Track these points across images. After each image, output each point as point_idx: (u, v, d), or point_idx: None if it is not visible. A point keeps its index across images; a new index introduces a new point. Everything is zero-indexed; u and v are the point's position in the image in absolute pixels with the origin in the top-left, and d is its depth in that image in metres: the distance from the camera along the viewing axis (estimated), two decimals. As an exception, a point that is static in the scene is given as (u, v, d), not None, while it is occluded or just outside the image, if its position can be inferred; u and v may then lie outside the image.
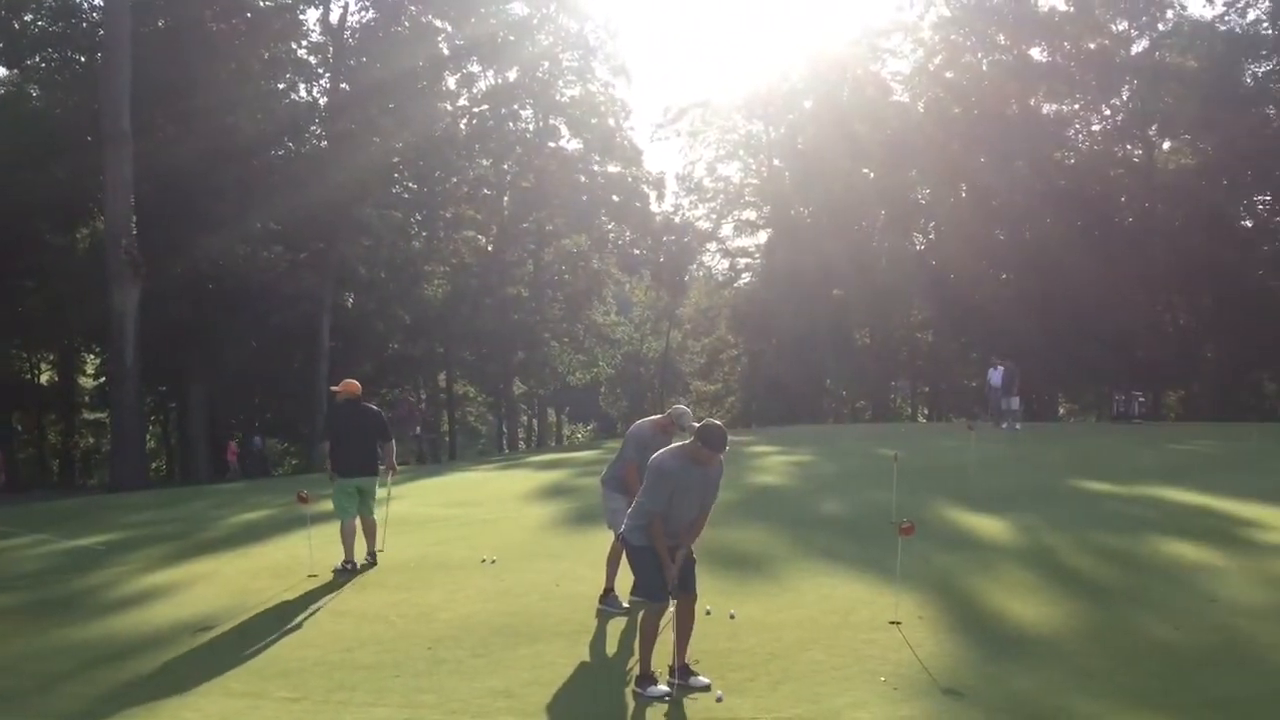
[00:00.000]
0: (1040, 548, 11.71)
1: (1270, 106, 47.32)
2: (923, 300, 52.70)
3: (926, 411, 61.13)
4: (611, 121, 54.27)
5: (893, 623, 8.51)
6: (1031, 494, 15.40)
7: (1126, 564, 10.83)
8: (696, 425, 7.14)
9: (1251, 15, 47.40)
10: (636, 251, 63.53)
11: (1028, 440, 25.09)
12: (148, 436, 46.73)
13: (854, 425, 44.67)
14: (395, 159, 44.07)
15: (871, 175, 53.22)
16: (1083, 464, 19.42)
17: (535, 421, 69.73)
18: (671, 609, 7.26)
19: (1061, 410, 54.70)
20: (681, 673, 7.20)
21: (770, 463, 21.49)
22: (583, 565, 11.01)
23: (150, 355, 35.77)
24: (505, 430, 59.49)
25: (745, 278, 61.48)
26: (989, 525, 13.05)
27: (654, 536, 7.06)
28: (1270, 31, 46.89)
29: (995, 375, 29.97)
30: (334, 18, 44.67)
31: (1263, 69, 47.39)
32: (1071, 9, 50.17)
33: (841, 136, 50.97)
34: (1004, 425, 28.64)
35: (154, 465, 49.70)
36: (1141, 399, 40.93)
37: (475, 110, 50.90)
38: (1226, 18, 47.76)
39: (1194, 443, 23.99)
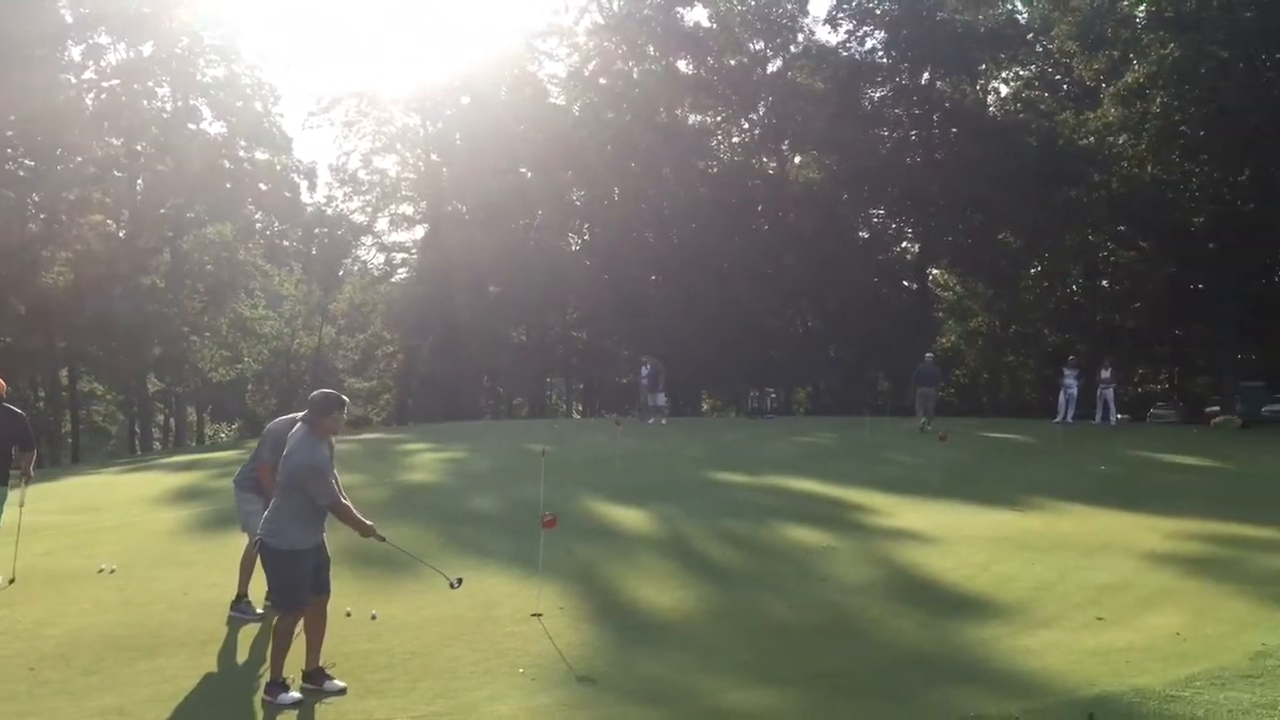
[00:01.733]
0: (676, 536, 12.32)
1: (884, 128, 52.20)
2: (578, 299, 54.02)
3: (581, 408, 62.69)
4: (259, 106, 51.69)
5: (534, 615, 8.66)
6: (672, 485, 16.17)
7: (752, 549, 11.61)
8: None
9: (869, 44, 52.13)
10: (286, 243, 60.85)
11: (672, 434, 26.27)
12: None
13: (510, 422, 45.09)
14: (9, 132, 39.77)
15: (529, 175, 53.90)
16: (720, 457, 20.60)
17: (173, 420, 65.32)
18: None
19: (705, 406, 57.78)
20: (315, 677, 6.98)
21: (423, 460, 21.29)
22: (215, 571, 10.45)
23: None
24: (138, 430, 55.29)
25: (401, 273, 60.48)
26: (631, 516, 13.58)
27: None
28: (885, 60, 51.71)
29: (644, 372, 31.21)
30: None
31: (878, 93, 52.20)
32: (714, 26, 53.13)
33: (499, 135, 51.24)
34: (650, 420, 29.82)
35: None
36: (774, 395, 44.00)
37: (104, 85, 46.98)
38: (848, 44, 52.18)
39: (816, 435, 26.01)
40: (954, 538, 11.96)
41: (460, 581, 7.62)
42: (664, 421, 29.83)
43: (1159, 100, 37.71)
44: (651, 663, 7.54)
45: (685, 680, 7.14)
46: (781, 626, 8.50)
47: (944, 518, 13.34)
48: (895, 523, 13.07)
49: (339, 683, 7.00)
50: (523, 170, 53.93)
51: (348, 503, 6.94)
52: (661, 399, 30.98)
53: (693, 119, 55.59)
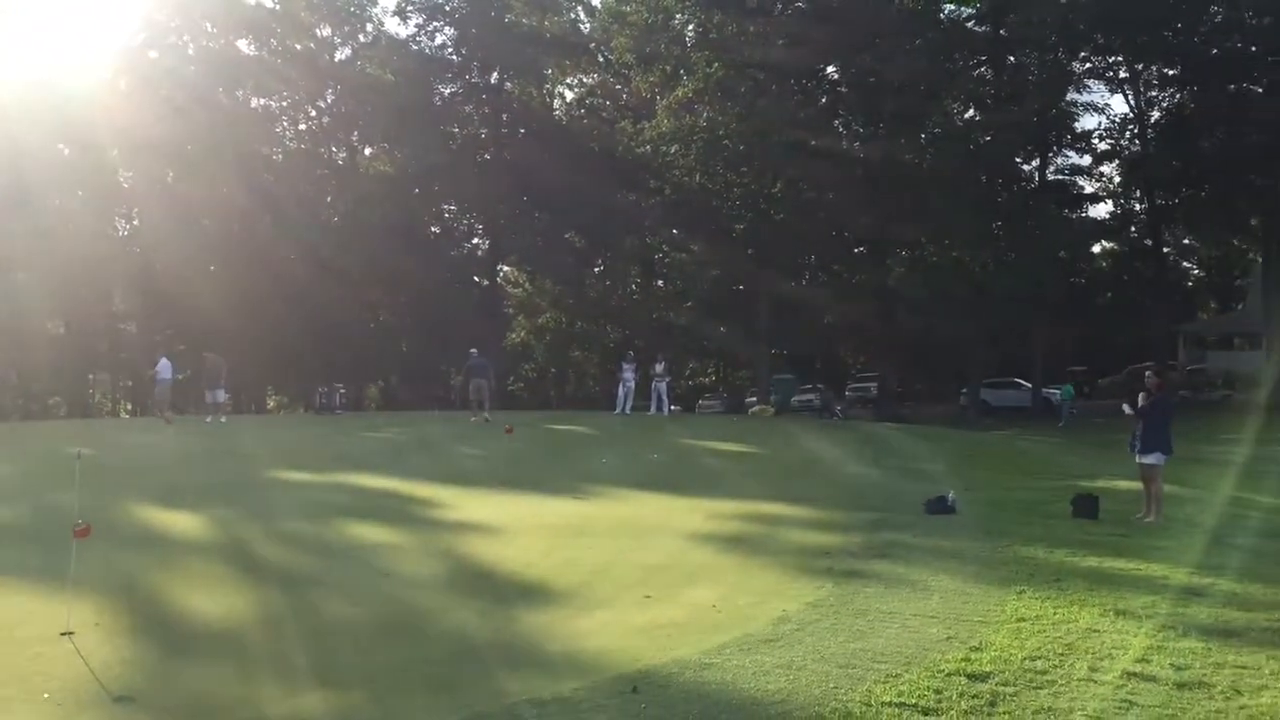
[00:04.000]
0: (232, 540, 11.67)
1: (455, 125, 52.59)
2: (126, 289, 49.72)
3: (130, 407, 57.84)
4: None
5: (65, 634, 7.83)
6: (230, 487, 15.30)
7: (314, 549, 11.25)
8: None
9: (439, 39, 52.29)
10: None
11: (231, 433, 24.89)
12: None
13: (43, 423, 40.63)
14: None
15: (67, 151, 48.86)
16: (284, 455, 19.77)
17: None
18: None
19: (271, 403, 55.34)
20: None
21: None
22: None
23: None
24: None
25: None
26: (181, 521, 12.71)
27: None
28: (455, 57, 52.10)
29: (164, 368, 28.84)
30: None
31: (449, 90, 52.50)
32: (278, 7, 50.92)
33: (31, 106, 45.97)
34: (209, 419, 28.09)
35: None
36: (343, 391, 42.98)
37: None
38: (419, 38, 52.05)
39: (387, 430, 25.72)
40: (517, 527, 12.25)
41: None
42: (223, 419, 28.21)
43: (705, 114, 40.87)
44: (199, 675, 7.07)
45: (234, 691, 6.75)
46: (342, 626, 8.29)
47: (508, 508, 13.64)
48: (461, 515, 13.18)
49: None
50: (61, 146, 48.78)
51: None
52: (221, 395, 29.26)
53: (256, 102, 52.95)
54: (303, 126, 55.04)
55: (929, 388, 63.36)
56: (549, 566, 10.27)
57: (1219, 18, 46.30)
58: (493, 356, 32.64)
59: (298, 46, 51.36)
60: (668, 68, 43.10)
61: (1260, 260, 54.66)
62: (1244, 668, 6.52)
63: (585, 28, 52.93)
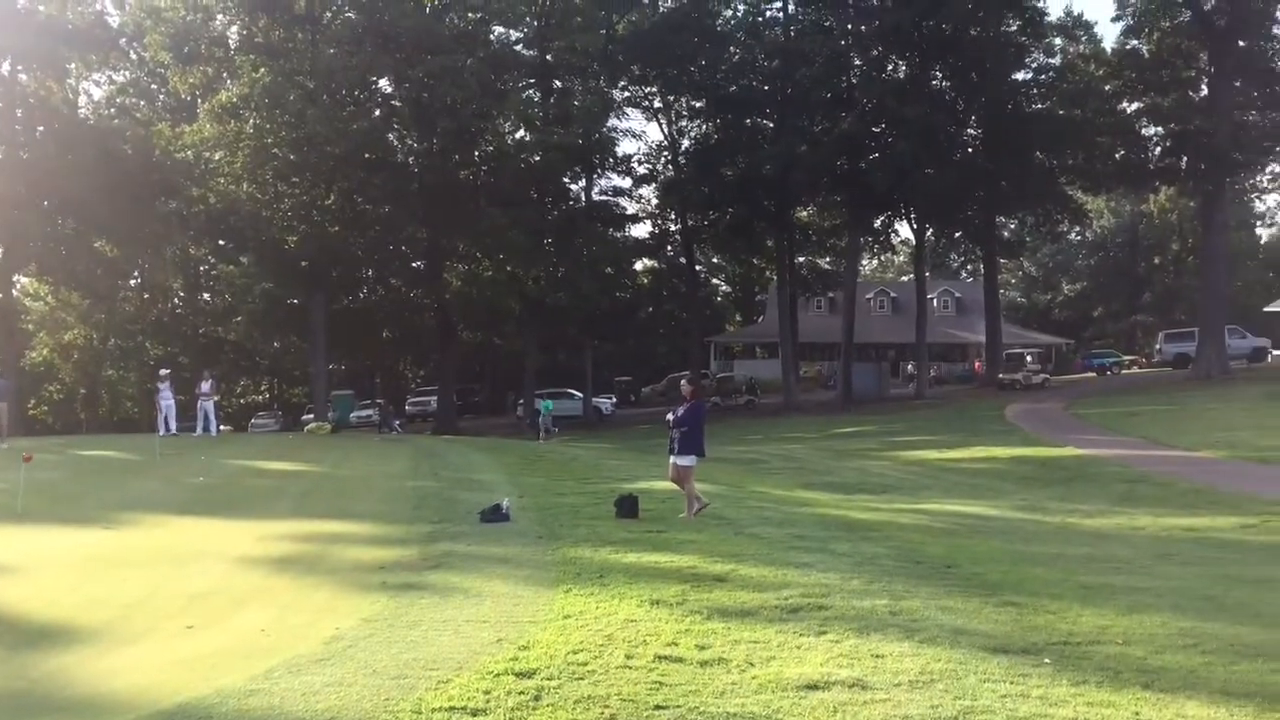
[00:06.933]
0: None
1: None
2: None
3: None
4: None
5: None
6: None
7: None
8: None
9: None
10: None
11: None
12: None
13: None
14: None
15: None
16: None
17: None
18: None
19: None
20: None
21: None
22: None
23: None
24: None
25: None
26: None
27: None
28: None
29: None
30: None
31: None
32: None
33: None
34: None
35: None
36: None
37: None
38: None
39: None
40: (38, 564, 11.11)
41: None
42: None
43: (252, 121, 39.25)
44: None
45: None
46: None
47: (29, 543, 12.31)
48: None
49: None
50: None
51: None
52: None
53: None
54: None
55: (489, 399, 64.82)
56: (75, 604, 9.38)
57: (736, 58, 51.35)
58: (10, 377, 29.33)
59: None
60: (209, 70, 40.89)
61: (774, 278, 61.27)
62: (756, 643, 7.27)
63: (114, 21, 48.80)
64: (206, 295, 53.80)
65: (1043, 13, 50.32)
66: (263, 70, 37.35)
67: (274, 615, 8.69)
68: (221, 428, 31.99)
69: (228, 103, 38.31)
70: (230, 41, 42.03)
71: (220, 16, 42.55)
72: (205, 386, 29.54)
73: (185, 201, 44.30)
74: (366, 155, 40.75)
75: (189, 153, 41.66)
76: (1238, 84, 46.47)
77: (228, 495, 16.59)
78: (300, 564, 11.04)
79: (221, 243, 46.60)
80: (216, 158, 40.88)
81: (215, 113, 38.95)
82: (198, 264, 49.81)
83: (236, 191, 41.62)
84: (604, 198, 55.99)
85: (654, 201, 60.78)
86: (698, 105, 55.36)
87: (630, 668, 6.67)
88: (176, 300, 53.77)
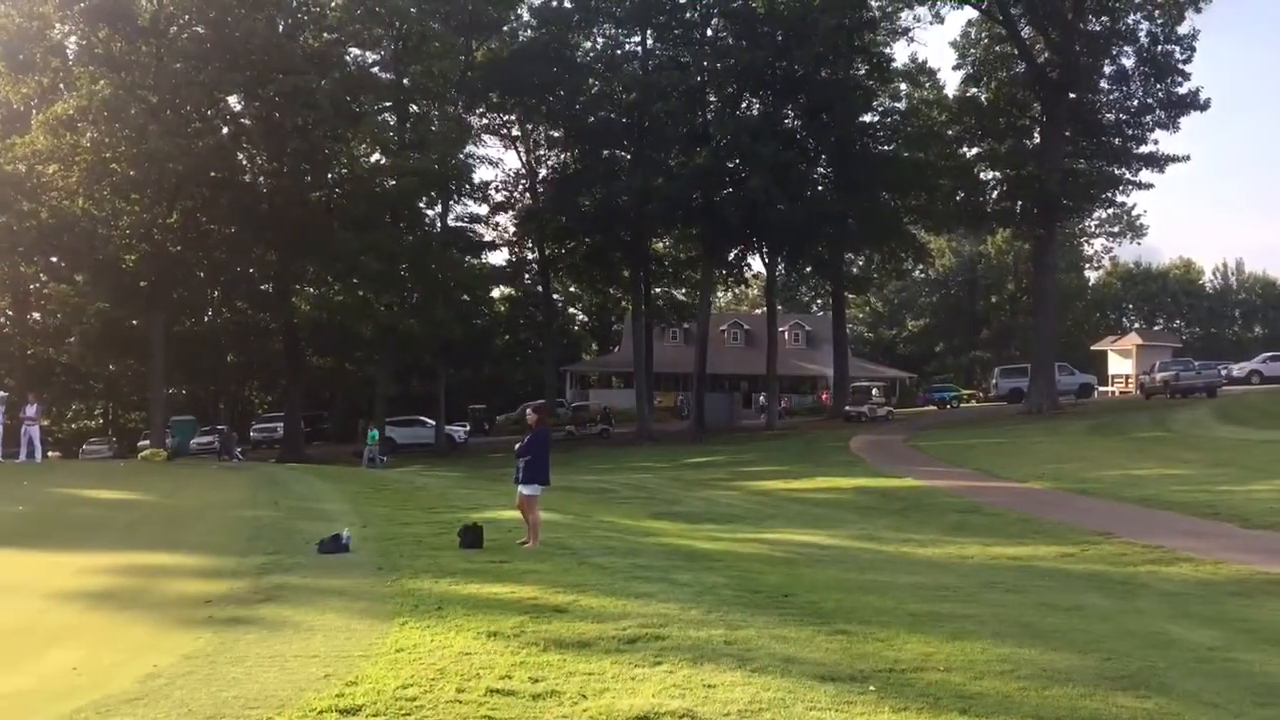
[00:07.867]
0: None
1: None
2: None
3: None
4: None
5: None
6: None
7: None
8: None
9: None
10: None
11: None
12: None
13: None
14: None
15: None
16: None
17: None
18: None
19: None
20: None
21: None
22: None
23: None
24: None
25: None
26: None
27: None
28: None
29: None
30: None
31: None
32: None
33: None
34: None
35: None
36: None
37: None
38: None
39: None
40: None
41: None
42: None
43: (90, 134, 37.71)
44: None
45: None
46: None
47: None
48: None
49: None
50: None
51: None
52: None
53: None
54: None
55: (339, 426, 63.33)
56: None
57: (595, 89, 51.78)
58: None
59: None
60: (45, 80, 39.07)
61: (630, 308, 61.71)
62: (591, 674, 7.24)
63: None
64: (36, 315, 51.17)
65: (889, 58, 52.39)
66: (103, 83, 35.84)
67: (87, 653, 8.27)
68: (49, 454, 30.43)
69: (64, 115, 36.58)
70: (68, 51, 40.29)
71: (59, 26, 40.72)
72: (31, 411, 28.04)
73: (15, 216, 42.02)
74: (212, 174, 39.50)
75: (20, 165, 39.57)
76: (1068, 133, 49.06)
77: (49, 526, 15.75)
78: (121, 598, 10.54)
79: (54, 260, 44.45)
80: (50, 171, 38.95)
81: (50, 125, 37.12)
82: (27, 282, 47.35)
83: (71, 207, 39.73)
84: (460, 224, 55.64)
85: (511, 229, 60.70)
86: (556, 135, 55.60)
87: (460, 702, 6.55)
88: (3, 319, 51.00)
